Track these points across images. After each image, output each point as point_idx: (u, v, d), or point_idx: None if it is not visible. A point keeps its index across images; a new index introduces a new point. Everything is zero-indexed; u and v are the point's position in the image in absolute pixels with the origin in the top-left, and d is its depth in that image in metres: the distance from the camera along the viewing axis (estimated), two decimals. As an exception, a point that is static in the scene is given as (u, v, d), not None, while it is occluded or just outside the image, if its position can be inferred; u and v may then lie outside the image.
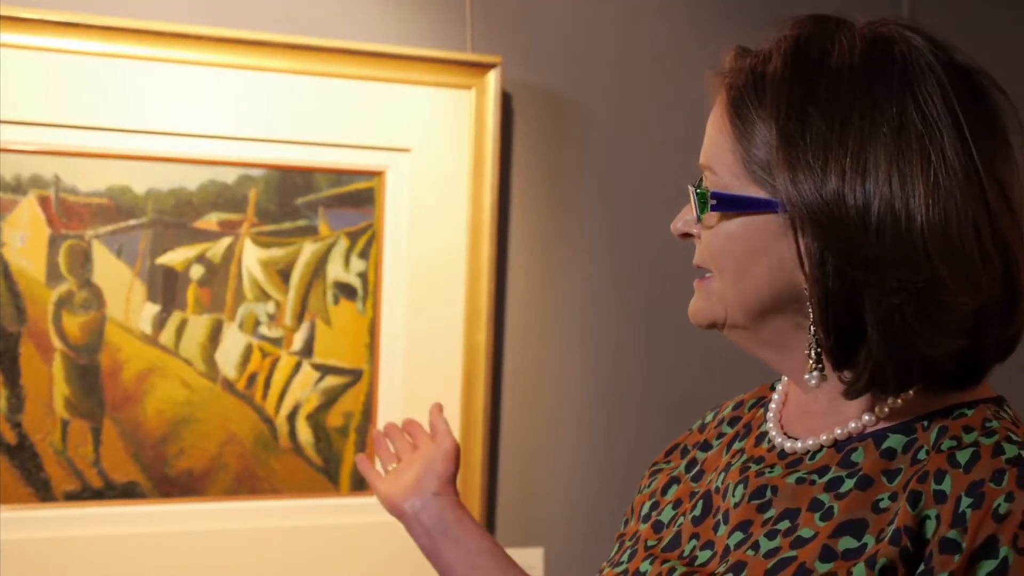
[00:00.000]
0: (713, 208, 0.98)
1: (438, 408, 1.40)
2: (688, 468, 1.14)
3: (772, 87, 0.94)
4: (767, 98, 0.94)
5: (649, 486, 1.17)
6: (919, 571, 0.88)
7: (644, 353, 2.08)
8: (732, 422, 1.15)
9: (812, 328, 0.95)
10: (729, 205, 0.97)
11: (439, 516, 1.29)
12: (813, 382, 0.96)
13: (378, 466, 1.40)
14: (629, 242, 2.06)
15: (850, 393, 0.95)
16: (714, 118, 1.01)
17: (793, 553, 0.93)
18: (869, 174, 0.90)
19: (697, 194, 0.99)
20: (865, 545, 0.91)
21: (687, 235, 1.04)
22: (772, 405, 1.09)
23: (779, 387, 1.11)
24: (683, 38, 2.08)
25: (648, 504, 1.14)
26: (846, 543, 0.92)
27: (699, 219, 1.00)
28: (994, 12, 2.28)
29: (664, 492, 1.13)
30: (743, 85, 0.97)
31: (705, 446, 1.15)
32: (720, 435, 1.14)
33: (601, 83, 2.03)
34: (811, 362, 0.96)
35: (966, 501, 0.88)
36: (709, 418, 1.20)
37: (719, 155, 0.99)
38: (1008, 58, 2.29)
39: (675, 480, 1.13)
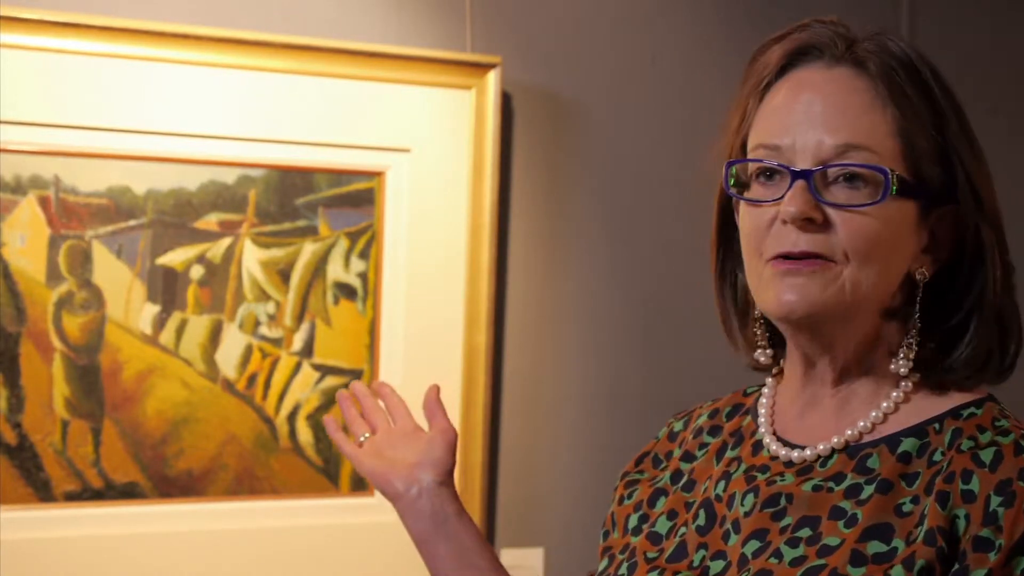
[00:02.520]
0: (898, 193, 0.96)
1: (436, 391, 1.31)
2: (674, 479, 1.12)
3: (928, 78, 0.99)
4: (933, 91, 0.99)
5: (629, 497, 1.14)
6: (953, 570, 0.89)
7: (643, 353, 2.08)
8: (713, 431, 1.13)
9: (918, 325, 1.00)
10: (913, 192, 0.97)
11: (440, 506, 1.23)
12: (904, 371, 1.00)
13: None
14: (629, 242, 2.06)
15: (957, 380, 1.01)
16: (853, 96, 0.97)
17: (822, 561, 0.93)
18: (985, 172, 1.00)
19: (886, 173, 0.95)
20: (895, 548, 0.92)
21: (808, 220, 0.96)
22: (762, 411, 1.08)
23: (765, 391, 1.10)
24: (683, 38, 2.08)
25: (635, 517, 1.12)
26: (875, 547, 0.92)
27: (878, 200, 0.95)
28: (994, 13, 2.28)
29: (652, 504, 1.11)
30: (899, 70, 0.98)
31: (688, 456, 1.13)
32: (703, 445, 1.12)
33: (601, 83, 2.03)
34: (909, 362, 1.00)
35: (996, 500, 0.90)
36: (678, 427, 1.17)
37: (877, 137, 0.97)
38: (1008, 59, 2.29)
39: (662, 492, 1.12)
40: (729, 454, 1.08)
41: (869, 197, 0.95)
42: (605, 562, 1.12)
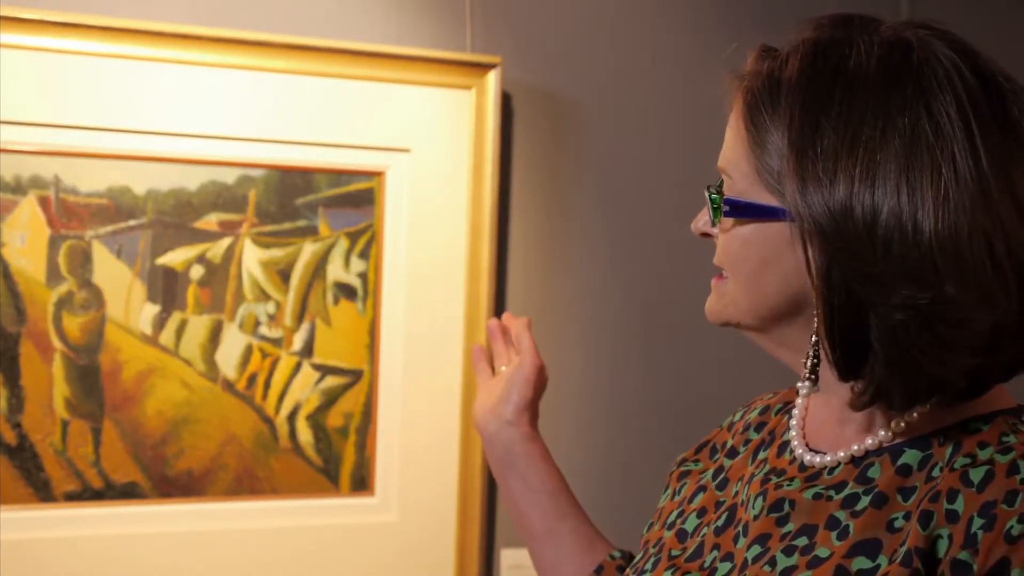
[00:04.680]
0: (726, 214, 0.98)
1: (526, 322, 1.37)
2: (715, 475, 1.13)
3: (786, 94, 0.93)
4: (781, 105, 0.93)
5: (679, 493, 1.16)
6: None
7: (644, 353, 2.08)
8: (759, 428, 1.13)
9: (814, 337, 0.94)
10: (741, 212, 0.97)
11: (508, 447, 1.30)
12: (804, 391, 0.96)
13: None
14: (629, 242, 2.06)
15: (855, 405, 0.94)
16: (732, 122, 0.99)
17: (809, 573, 0.92)
18: (878, 186, 0.88)
19: (711, 199, 0.99)
20: (878, 566, 0.90)
21: (707, 235, 1.04)
22: (796, 412, 1.08)
23: (803, 390, 1.09)
24: (683, 38, 2.08)
25: (675, 512, 1.13)
26: (860, 563, 0.90)
27: (713, 223, 1.00)
28: (994, 12, 2.28)
29: (691, 500, 1.12)
30: (759, 90, 0.95)
31: (732, 452, 1.13)
32: (747, 441, 1.13)
33: (601, 83, 2.03)
34: (805, 371, 0.95)
35: (978, 522, 0.86)
36: (737, 417, 1.19)
37: (735, 160, 0.98)
38: (1008, 59, 2.29)
39: (702, 488, 1.12)
40: (761, 455, 1.08)
41: (713, 219, 1.00)
42: (640, 554, 1.13)
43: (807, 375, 0.95)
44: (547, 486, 1.30)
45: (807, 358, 0.95)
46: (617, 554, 1.28)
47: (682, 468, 1.19)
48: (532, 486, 1.30)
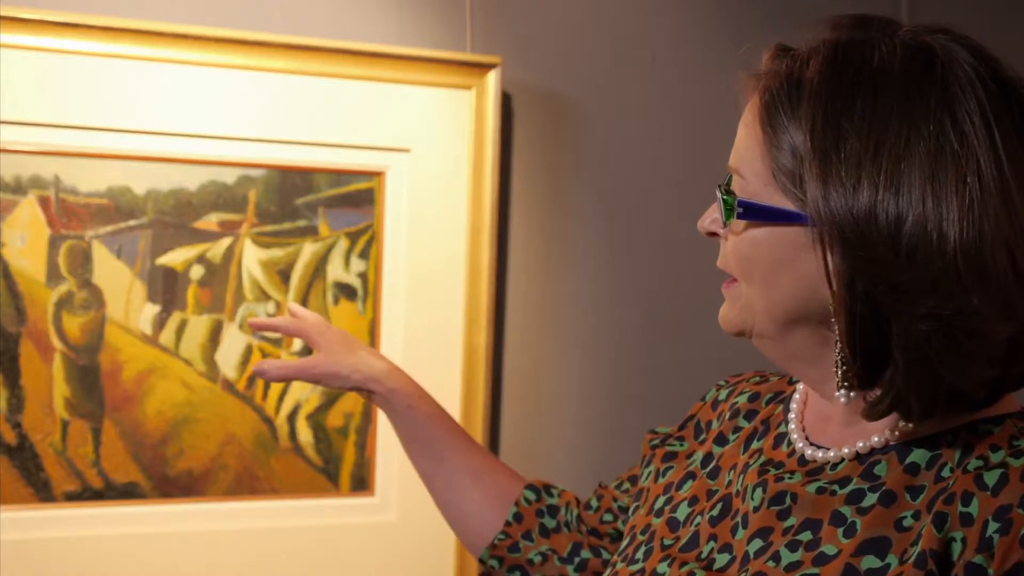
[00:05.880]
0: (740, 216, 0.96)
1: (284, 318, 1.40)
2: (704, 463, 1.12)
3: (808, 97, 0.91)
4: (801, 108, 0.91)
5: (664, 474, 1.15)
6: None
7: (644, 353, 2.08)
8: (748, 416, 1.12)
9: (838, 344, 0.93)
10: (756, 214, 0.95)
11: (383, 406, 1.38)
12: (843, 400, 0.95)
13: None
14: (629, 242, 2.06)
15: (871, 415, 0.93)
16: (746, 121, 0.97)
17: (816, 570, 0.92)
18: (902, 193, 0.87)
19: (724, 200, 0.97)
20: (888, 565, 0.89)
21: (713, 234, 1.02)
22: (793, 405, 1.07)
23: (800, 385, 1.09)
24: (683, 38, 2.08)
25: (663, 499, 1.12)
26: (869, 562, 0.90)
27: (725, 224, 0.98)
28: (994, 12, 2.28)
29: (679, 487, 1.12)
30: (777, 90, 0.94)
31: (721, 439, 1.13)
32: (737, 428, 1.12)
33: (601, 83, 2.03)
34: (838, 380, 0.94)
35: (993, 526, 0.86)
36: (722, 396, 1.18)
37: (749, 160, 0.96)
38: (1008, 58, 2.29)
39: (691, 475, 1.12)
40: (754, 444, 1.08)
41: (726, 220, 0.98)
42: (627, 540, 1.13)
43: (841, 383, 0.94)
44: (418, 436, 1.35)
45: (837, 367, 0.93)
46: (532, 496, 1.28)
47: (667, 448, 1.18)
48: (406, 438, 1.36)
